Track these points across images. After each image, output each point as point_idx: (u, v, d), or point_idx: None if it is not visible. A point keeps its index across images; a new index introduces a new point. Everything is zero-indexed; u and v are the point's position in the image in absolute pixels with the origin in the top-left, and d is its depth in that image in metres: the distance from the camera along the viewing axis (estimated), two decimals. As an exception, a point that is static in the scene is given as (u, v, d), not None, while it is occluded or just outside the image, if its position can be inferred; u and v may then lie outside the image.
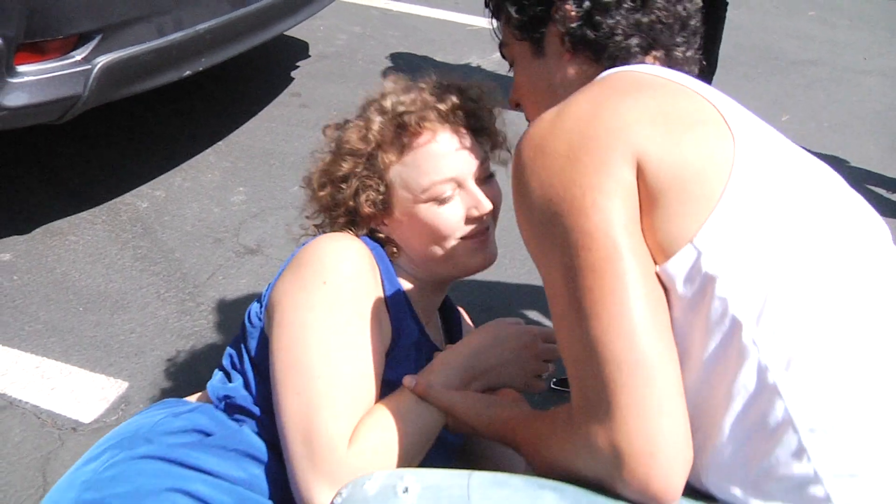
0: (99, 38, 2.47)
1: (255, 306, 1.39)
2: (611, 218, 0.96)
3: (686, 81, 1.10)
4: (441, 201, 1.38)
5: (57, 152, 3.18)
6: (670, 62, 1.21)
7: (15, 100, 2.36)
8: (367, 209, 1.40)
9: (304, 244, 1.38)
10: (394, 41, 4.63)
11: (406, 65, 4.27)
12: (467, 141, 1.41)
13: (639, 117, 1.01)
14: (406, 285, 1.43)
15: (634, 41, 1.19)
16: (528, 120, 1.30)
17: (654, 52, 1.21)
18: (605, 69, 1.18)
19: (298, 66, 4.18)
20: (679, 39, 1.22)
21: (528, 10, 1.24)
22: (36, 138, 3.15)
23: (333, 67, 4.22)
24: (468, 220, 1.39)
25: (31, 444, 1.92)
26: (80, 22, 2.44)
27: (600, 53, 1.20)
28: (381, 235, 1.44)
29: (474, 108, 1.44)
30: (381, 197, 1.40)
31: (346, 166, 1.42)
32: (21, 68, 2.35)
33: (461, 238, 1.39)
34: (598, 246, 0.95)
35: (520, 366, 1.35)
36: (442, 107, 1.40)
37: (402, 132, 1.39)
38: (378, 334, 1.28)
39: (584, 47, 1.20)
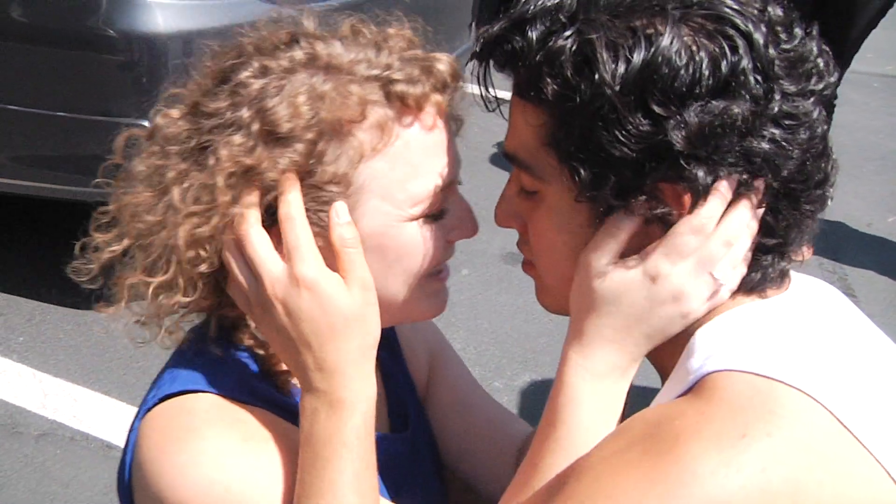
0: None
1: None
2: None
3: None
4: (436, 217, 0.92)
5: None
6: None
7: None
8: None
9: (150, 401, 0.92)
10: (497, 129, 4.75)
11: (509, 152, 4.39)
12: (450, 126, 0.95)
13: None
14: None
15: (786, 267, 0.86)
16: (527, 254, 0.94)
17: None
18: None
19: (406, 151, 4.36)
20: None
21: (625, 174, 0.79)
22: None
23: (439, 153, 4.38)
24: (448, 246, 0.95)
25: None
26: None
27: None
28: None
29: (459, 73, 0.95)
30: None
31: (275, 163, 0.84)
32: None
33: (432, 274, 0.94)
34: None
35: None
36: (442, 68, 0.91)
37: (390, 109, 0.88)
38: None
39: None
